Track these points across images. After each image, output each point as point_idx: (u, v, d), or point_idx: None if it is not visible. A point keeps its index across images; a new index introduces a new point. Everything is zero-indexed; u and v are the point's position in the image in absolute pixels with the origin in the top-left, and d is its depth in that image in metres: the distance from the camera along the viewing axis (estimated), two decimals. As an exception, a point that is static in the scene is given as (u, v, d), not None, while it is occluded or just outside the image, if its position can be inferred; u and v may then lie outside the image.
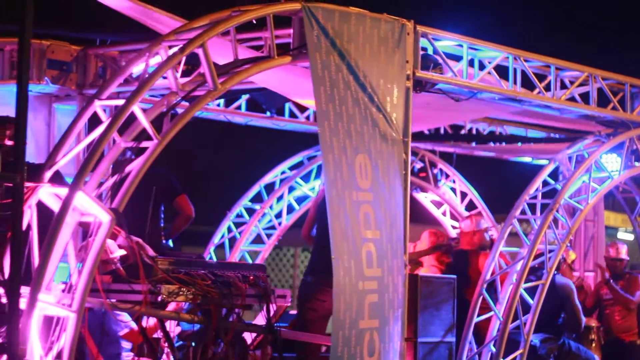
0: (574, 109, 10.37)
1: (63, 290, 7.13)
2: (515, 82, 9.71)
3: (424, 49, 8.89)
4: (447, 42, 9.21)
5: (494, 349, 9.87)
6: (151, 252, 7.51)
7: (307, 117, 12.26)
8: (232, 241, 12.47)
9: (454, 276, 9.57)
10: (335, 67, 8.08)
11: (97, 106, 7.46)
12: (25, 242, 6.87)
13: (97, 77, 10.18)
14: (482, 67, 9.56)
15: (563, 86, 10.36)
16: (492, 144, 13.78)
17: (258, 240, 12.61)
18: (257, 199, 12.67)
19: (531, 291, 10.01)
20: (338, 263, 7.86)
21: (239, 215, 12.59)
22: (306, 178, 12.88)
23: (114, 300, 7.42)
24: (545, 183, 10.64)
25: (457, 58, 9.37)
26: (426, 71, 8.82)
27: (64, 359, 6.95)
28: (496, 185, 15.76)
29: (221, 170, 17.35)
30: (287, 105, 12.05)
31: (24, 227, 6.84)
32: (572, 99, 10.33)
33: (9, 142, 7.88)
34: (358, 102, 8.22)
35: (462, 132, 13.45)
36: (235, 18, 7.74)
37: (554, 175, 15.00)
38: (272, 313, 8.07)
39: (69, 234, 7.06)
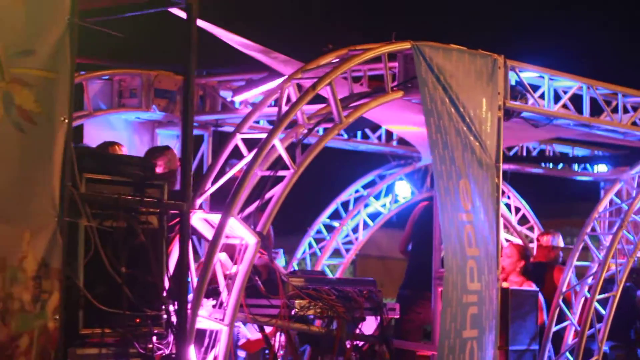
0: (638, 133, 11.17)
1: (213, 306, 7.89)
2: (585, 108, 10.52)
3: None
4: (529, 73, 9.98)
5: (570, 357, 10.62)
6: (283, 271, 8.27)
7: (379, 138, 12.98)
8: (312, 256, 13.21)
9: (537, 289, 10.31)
10: (440, 100, 8.83)
11: (239, 139, 8.22)
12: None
13: (198, 105, 10.92)
14: (555, 94, 10.34)
15: (624, 111, 11.15)
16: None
17: (336, 254, 13.35)
18: (334, 216, 13.39)
19: (602, 301, 10.76)
20: (448, 278, 8.63)
21: (318, 232, 13.33)
22: (377, 196, 13.60)
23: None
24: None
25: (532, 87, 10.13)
26: (514, 101, 9.61)
27: (218, 368, 7.72)
28: (545, 198, 16.56)
29: (299, 190, 18.02)
30: (360, 127, 12.79)
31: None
32: (634, 123, 11.12)
33: (158, 170, 8.65)
34: (459, 131, 8.97)
35: (515, 150, 14.22)
36: (356, 57, 8.44)
37: (585, 190, 15.86)
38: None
39: (217, 255, 7.83)
